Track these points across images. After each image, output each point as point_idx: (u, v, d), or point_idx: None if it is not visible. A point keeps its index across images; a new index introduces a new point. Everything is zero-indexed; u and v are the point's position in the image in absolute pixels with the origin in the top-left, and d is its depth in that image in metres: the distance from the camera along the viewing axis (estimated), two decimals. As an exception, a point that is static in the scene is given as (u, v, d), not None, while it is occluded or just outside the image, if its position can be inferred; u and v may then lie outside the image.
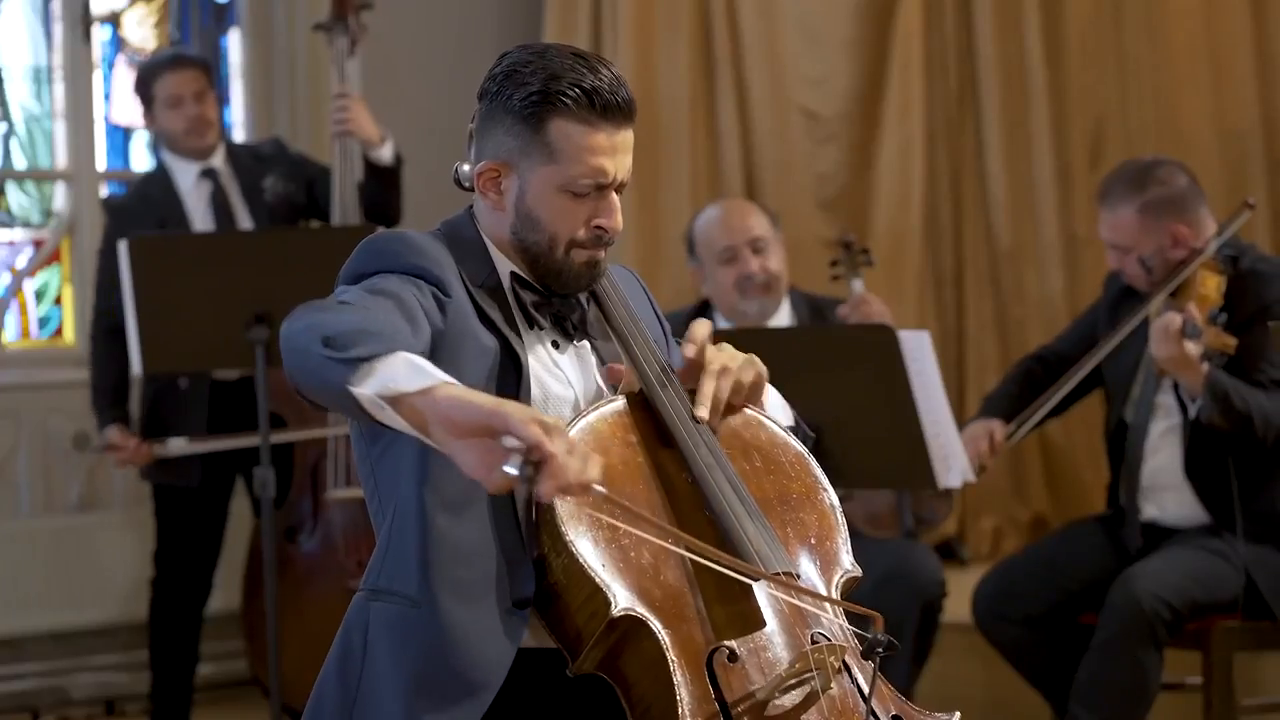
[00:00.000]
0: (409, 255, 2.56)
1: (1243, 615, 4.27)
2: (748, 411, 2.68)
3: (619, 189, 2.61)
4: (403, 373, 2.26)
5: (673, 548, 2.47)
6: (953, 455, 4.34)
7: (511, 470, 2.17)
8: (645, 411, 2.59)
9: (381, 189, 5.30)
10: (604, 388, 2.66)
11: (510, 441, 2.18)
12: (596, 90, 2.54)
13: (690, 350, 2.63)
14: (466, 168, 2.67)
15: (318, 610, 5.10)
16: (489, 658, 2.48)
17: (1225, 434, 4.23)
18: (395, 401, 2.25)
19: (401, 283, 2.51)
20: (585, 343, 2.68)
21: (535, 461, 2.18)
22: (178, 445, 5.06)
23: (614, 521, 2.44)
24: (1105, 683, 4.22)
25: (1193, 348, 4.13)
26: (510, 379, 2.54)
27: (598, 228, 2.59)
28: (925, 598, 4.53)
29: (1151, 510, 4.45)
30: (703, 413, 2.58)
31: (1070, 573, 4.47)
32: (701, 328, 2.65)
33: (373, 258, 2.57)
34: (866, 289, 4.94)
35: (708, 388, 2.60)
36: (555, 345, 2.64)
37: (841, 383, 4.21)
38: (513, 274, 2.63)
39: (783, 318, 4.84)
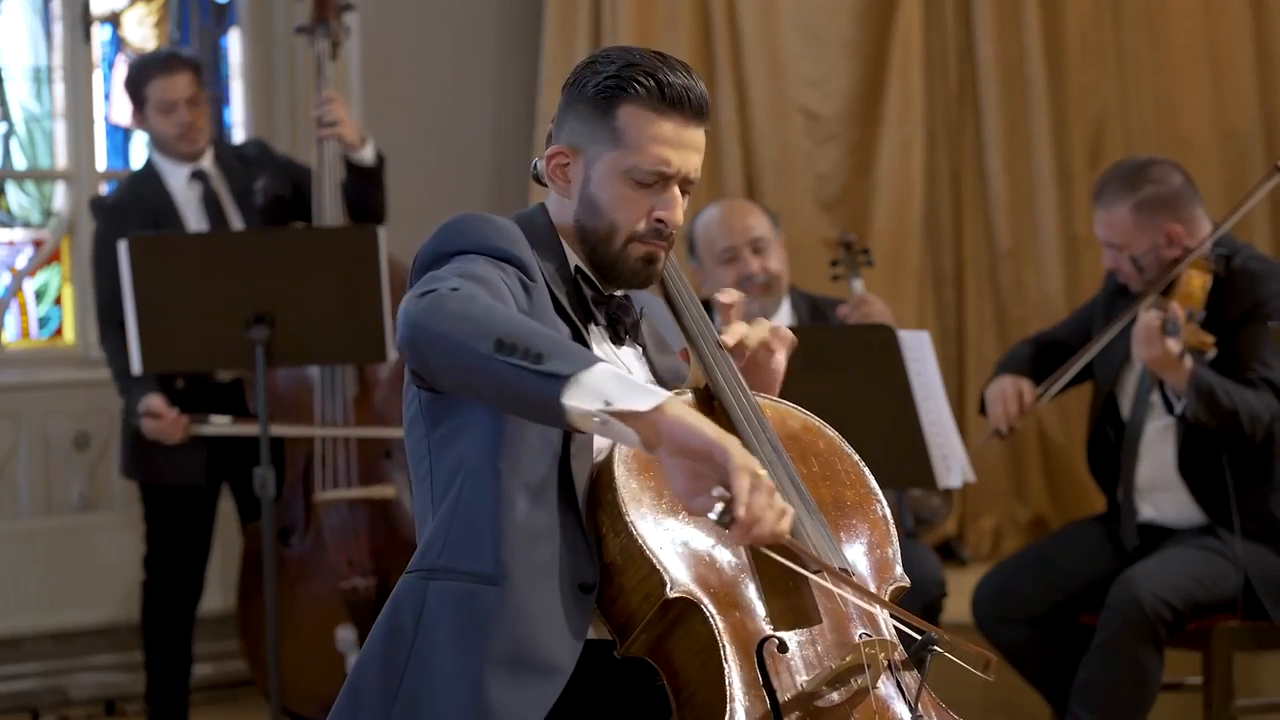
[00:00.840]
0: (493, 237, 2.58)
1: (1242, 615, 4.27)
2: (808, 419, 2.72)
3: (684, 186, 2.63)
4: (618, 389, 2.31)
5: (841, 590, 2.51)
6: (952, 455, 4.34)
7: (712, 516, 2.30)
8: (710, 407, 2.62)
9: (365, 189, 5.29)
10: (660, 377, 2.70)
11: (719, 491, 2.29)
12: (669, 82, 2.58)
13: (725, 297, 2.70)
14: (543, 163, 2.71)
15: (311, 611, 5.11)
16: (562, 640, 2.50)
17: (1215, 433, 4.23)
18: (622, 416, 2.31)
19: (488, 265, 2.53)
20: (640, 349, 2.71)
21: (735, 513, 2.30)
22: (220, 422, 4.99)
23: (787, 565, 2.48)
24: (1105, 683, 4.22)
25: (1174, 345, 4.13)
26: None
27: (658, 220, 2.62)
28: (925, 598, 4.53)
29: (1148, 510, 4.45)
30: (727, 338, 2.66)
31: (1070, 573, 4.47)
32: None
33: (455, 236, 2.59)
34: (866, 288, 4.94)
35: (740, 327, 2.69)
36: (615, 340, 2.68)
37: (841, 382, 4.21)
38: (577, 267, 2.67)
39: (783, 318, 4.84)
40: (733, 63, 6.37)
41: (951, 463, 4.33)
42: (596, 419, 2.30)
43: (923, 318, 6.37)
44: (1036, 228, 6.45)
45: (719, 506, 2.29)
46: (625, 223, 2.62)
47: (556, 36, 6.29)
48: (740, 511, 2.28)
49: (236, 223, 5.26)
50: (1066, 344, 4.59)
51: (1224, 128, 6.47)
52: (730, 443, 2.30)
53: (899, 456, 4.26)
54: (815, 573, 2.50)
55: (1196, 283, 4.27)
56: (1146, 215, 4.36)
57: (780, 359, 2.75)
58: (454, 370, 2.40)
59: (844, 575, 2.53)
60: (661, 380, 2.71)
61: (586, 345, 2.59)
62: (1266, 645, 4.41)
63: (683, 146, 2.61)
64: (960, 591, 4.76)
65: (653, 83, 2.58)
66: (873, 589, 2.60)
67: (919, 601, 4.51)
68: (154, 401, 5.00)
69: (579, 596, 2.51)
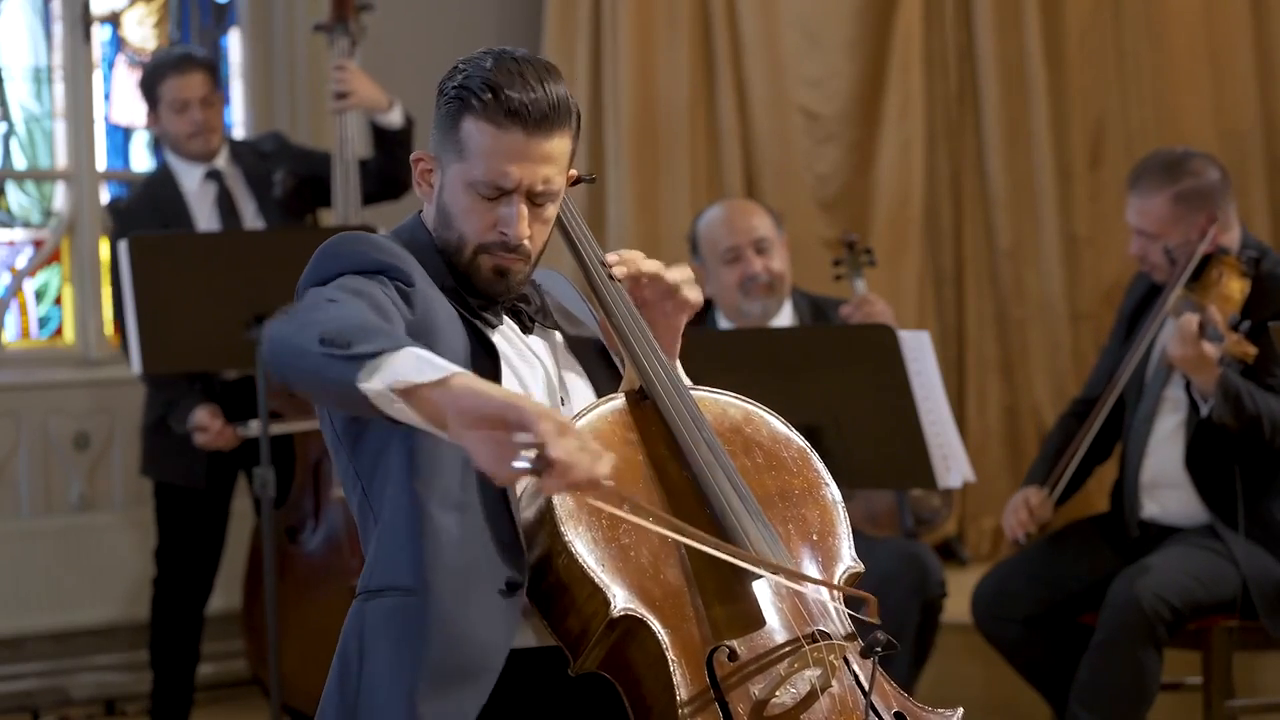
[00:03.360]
0: (369, 252, 2.56)
1: (1241, 615, 4.27)
2: (750, 407, 2.69)
3: (535, 198, 2.58)
4: (412, 366, 2.25)
5: (679, 537, 2.46)
6: (952, 455, 4.34)
7: (523, 465, 2.19)
8: (644, 409, 2.60)
9: (393, 156, 5.29)
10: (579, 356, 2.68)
11: (522, 437, 2.19)
12: (509, 95, 2.53)
13: (620, 270, 2.66)
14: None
15: (319, 610, 5.09)
16: (487, 642, 2.48)
17: (1231, 434, 4.23)
18: (408, 395, 2.25)
19: (367, 281, 2.51)
20: (556, 333, 2.69)
21: (546, 457, 2.20)
22: (255, 427, 4.92)
23: (622, 515, 2.42)
24: (1105, 683, 4.22)
25: (1212, 349, 4.11)
26: (485, 365, 2.55)
27: (501, 233, 2.59)
28: (925, 598, 4.53)
29: (1152, 508, 4.45)
30: (618, 270, 2.63)
31: (1070, 572, 4.47)
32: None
33: (331, 260, 2.58)
34: (868, 288, 4.94)
35: (631, 255, 2.66)
36: (523, 329, 2.66)
37: (842, 382, 4.21)
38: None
39: (785, 318, 4.84)
40: (733, 63, 6.37)
41: (951, 463, 4.33)
42: (389, 400, 2.25)
43: (923, 318, 6.37)
44: (1036, 228, 6.44)
45: (529, 453, 2.19)
46: (472, 234, 2.59)
47: (556, 37, 6.29)
48: (553, 452, 2.18)
49: (250, 221, 5.26)
50: (1095, 400, 4.56)
51: (1224, 128, 6.47)
52: (522, 399, 2.24)
53: (899, 456, 4.26)
54: (757, 567, 2.48)
55: (1235, 285, 4.26)
56: (1184, 207, 4.36)
57: (679, 322, 2.70)
58: (295, 373, 2.37)
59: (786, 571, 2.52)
60: (583, 362, 2.69)
61: (488, 341, 2.57)
62: (1266, 645, 4.41)
63: (527, 160, 2.55)
64: (960, 591, 4.76)
65: (490, 95, 2.53)
66: (821, 578, 2.58)
67: (919, 601, 4.51)
68: (201, 416, 5.03)
69: (505, 596, 2.49)
